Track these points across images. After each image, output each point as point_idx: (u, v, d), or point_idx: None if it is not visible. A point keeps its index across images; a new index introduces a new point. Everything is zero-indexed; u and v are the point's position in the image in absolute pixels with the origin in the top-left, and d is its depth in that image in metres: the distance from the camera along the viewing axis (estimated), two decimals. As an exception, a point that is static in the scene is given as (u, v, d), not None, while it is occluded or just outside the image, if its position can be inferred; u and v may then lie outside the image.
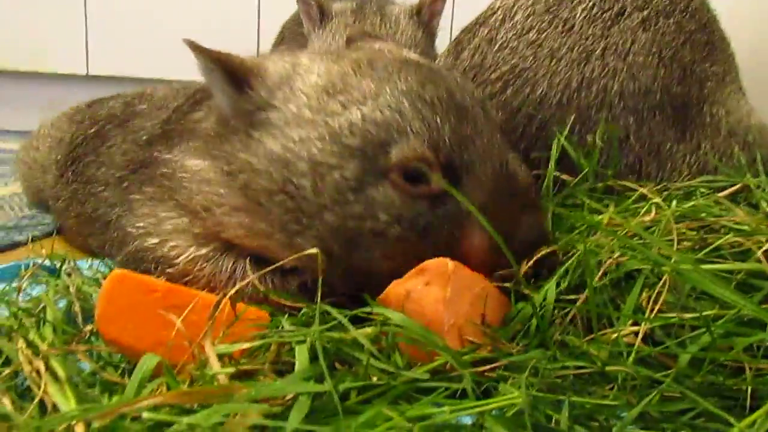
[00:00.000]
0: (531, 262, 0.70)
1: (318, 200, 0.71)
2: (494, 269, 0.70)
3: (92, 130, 1.17)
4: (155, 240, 0.79)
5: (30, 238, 1.19)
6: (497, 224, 0.67)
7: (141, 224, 0.81)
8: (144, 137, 1.01)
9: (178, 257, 0.77)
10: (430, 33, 1.75)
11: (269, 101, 0.76)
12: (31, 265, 0.89)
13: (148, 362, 0.48)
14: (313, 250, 0.61)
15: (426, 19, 1.73)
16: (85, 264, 0.95)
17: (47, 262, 0.91)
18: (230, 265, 0.75)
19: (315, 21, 1.75)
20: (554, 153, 0.95)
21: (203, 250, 0.76)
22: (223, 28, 2.45)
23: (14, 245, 1.18)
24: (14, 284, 0.85)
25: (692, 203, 0.81)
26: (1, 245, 1.16)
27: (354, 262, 0.71)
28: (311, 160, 0.71)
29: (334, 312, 0.59)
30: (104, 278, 0.86)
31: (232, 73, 0.77)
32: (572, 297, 0.70)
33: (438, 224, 0.71)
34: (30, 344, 0.58)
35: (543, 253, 0.71)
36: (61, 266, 0.85)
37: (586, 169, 0.93)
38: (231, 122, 0.78)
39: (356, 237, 0.70)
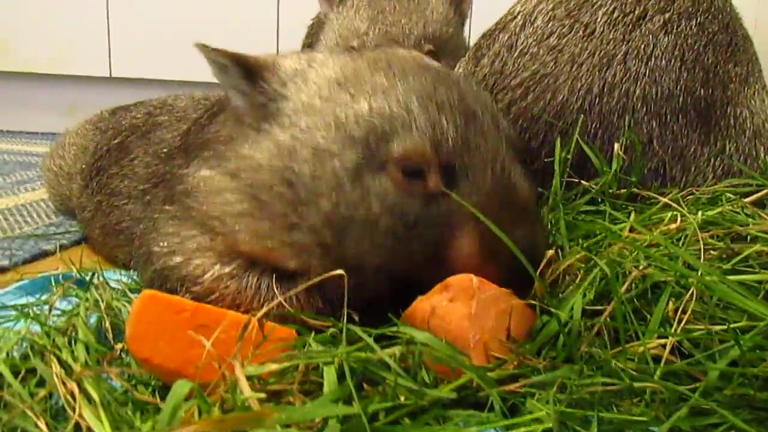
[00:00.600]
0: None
1: (315, 186, 0.72)
2: (483, 274, 0.69)
3: (116, 141, 1.19)
4: (179, 259, 0.80)
5: (58, 246, 1.21)
6: (488, 233, 0.67)
7: (165, 243, 0.82)
8: (165, 150, 1.03)
9: (203, 275, 0.77)
10: (461, 14, 1.68)
11: (281, 92, 0.78)
12: (61, 278, 0.90)
13: (181, 388, 0.49)
14: (339, 271, 0.62)
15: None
16: (113, 275, 0.97)
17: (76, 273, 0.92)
18: (255, 282, 0.76)
19: (333, 1, 1.70)
20: (558, 156, 0.94)
21: (227, 268, 0.77)
22: (244, 31, 2.47)
23: (42, 254, 1.19)
24: (44, 297, 0.88)
25: (718, 210, 0.81)
26: (30, 255, 1.17)
27: (346, 253, 0.72)
28: (314, 147, 0.73)
29: (361, 332, 0.59)
30: (131, 291, 0.88)
31: (246, 67, 0.79)
32: (597, 308, 0.70)
33: (429, 223, 0.71)
34: (63, 364, 0.59)
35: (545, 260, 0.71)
36: (90, 279, 0.86)
37: (607, 176, 0.93)
38: (244, 120, 0.80)
39: (348, 225, 0.71)
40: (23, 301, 0.89)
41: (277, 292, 0.73)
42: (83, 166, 1.28)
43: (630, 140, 0.98)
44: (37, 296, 0.88)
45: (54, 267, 1.05)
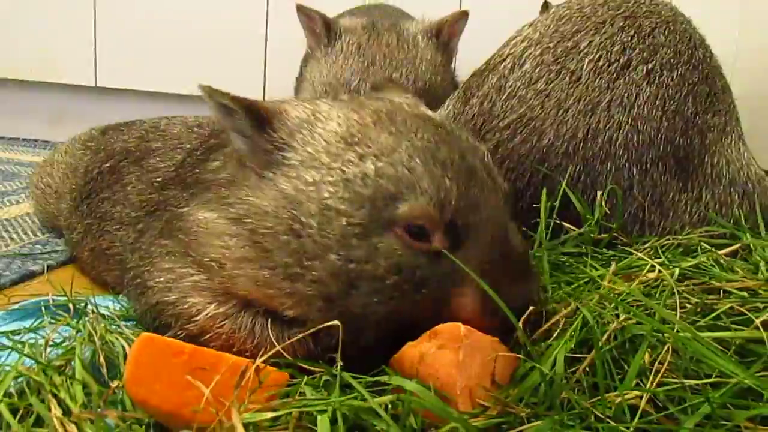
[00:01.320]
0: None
1: (323, 241, 0.74)
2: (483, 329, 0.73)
3: (107, 164, 1.20)
4: (174, 296, 0.81)
5: (45, 267, 1.22)
6: (494, 290, 0.70)
7: (161, 279, 0.83)
8: (158, 179, 1.04)
9: (198, 315, 0.79)
10: (448, 55, 1.70)
11: (288, 142, 0.79)
12: (51, 305, 0.92)
13: (182, 439, 0.50)
14: (335, 322, 0.64)
15: (445, 39, 1.67)
16: (102, 301, 0.98)
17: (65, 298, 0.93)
18: (249, 323, 0.78)
19: (320, 38, 1.67)
20: (543, 205, 0.98)
21: (222, 308, 0.79)
22: (232, 42, 2.48)
23: (30, 275, 1.20)
24: (35, 324, 0.89)
25: (694, 261, 0.84)
26: (18, 275, 1.18)
27: (351, 305, 0.74)
28: (321, 203, 0.75)
29: (352, 380, 0.62)
30: (123, 319, 0.90)
31: (255, 114, 0.79)
32: (578, 355, 0.73)
33: (434, 279, 0.74)
34: (61, 404, 0.60)
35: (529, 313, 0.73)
36: (83, 309, 0.87)
37: (590, 222, 0.96)
38: (246, 164, 0.81)
39: (356, 280, 0.74)
40: (14, 327, 0.90)
41: (271, 335, 0.75)
42: (73, 186, 1.28)
43: (611, 188, 1.02)
44: (28, 323, 0.89)
45: (42, 289, 1.06)
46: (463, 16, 1.69)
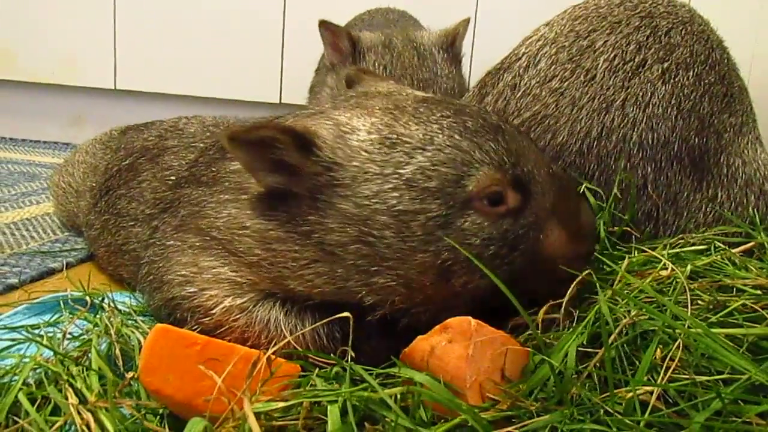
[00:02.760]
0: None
1: (405, 246, 0.76)
2: (574, 256, 0.81)
3: (126, 162, 1.22)
4: (193, 289, 0.82)
5: (65, 264, 1.24)
6: (569, 216, 0.81)
7: (182, 272, 0.84)
8: (172, 177, 1.05)
9: (214, 308, 0.80)
10: (459, 63, 1.73)
11: (335, 160, 0.78)
12: (70, 300, 0.93)
13: (194, 426, 0.51)
14: (345, 314, 0.65)
15: (458, 51, 1.71)
16: (119, 296, 0.99)
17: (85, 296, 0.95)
18: (264, 316, 0.79)
19: (345, 54, 1.68)
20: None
21: (238, 301, 0.80)
22: (249, 45, 2.51)
23: (49, 272, 1.22)
24: (53, 318, 0.90)
25: (707, 260, 0.84)
26: (37, 272, 1.20)
27: (449, 289, 0.77)
28: (392, 211, 0.76)
29: (363, 372, 0.62)
30: (139, 314, 0.91)
31: (300, 139, 0.77)
32: (590, 350, 0.73)
33: (524, 233, 0.78)
34: (78, 393, 0.62)
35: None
36: (100, 303, 0.89)
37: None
38: (292, 190, 0.79)
39: (452, 266, 0.76)
40: (33, 321, 0.92)
41: (285, 332, 0.76)
42: (93, 185, 1.31)
43: (626, 183, 1.02)
44: (47, 317, 0.91)
45: (61, 286, 1.08)
46: (467, 23, 1.75)
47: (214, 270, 0.82)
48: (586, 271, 0.80)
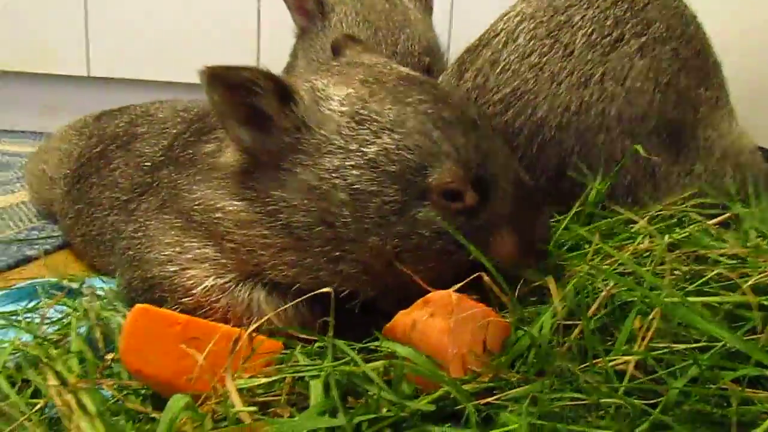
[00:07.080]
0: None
1: (360, 225, 0.75)
2: (521, 264, 0.79)
3: (97, 150, 1.20)
4: (174, 268, 0.81)
5: (42, 252, 1.22)
6: (524, 227, 0.79)
7: (165, 252, 0.83)
8: (147, 163, 1.03)
9: (194, 288, 0.79)
10: (430, 11, 1.68)
11: (306, 122, 0.77)
12: (47, 286, 0.92)
13: (177, 402, 0.51)
14: (328, 289, 0.65)
15: (431, 3, 1.66)
16: (98, 282, 0.99)
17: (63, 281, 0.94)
18: (246, 297, 0.78)
19: (313, 16, 1.60)
20: None
21: (219, 281, 0.79)
22: (224, 30, 2.48)
23: (26, 260, 1.20)
24: (31, 304, 0.89)
25: (685, 232, 0.85)
26: (14, 260, 1.18)
27: (394, 277, 0.76)
28: (351, 189, 0.75)
29: (345, 347, 0.62)
30: (118, 298, 0.91)
31: (281, 88, 0.77)
32: (570, 322, 0.74)
33: (474, 234, 0.76)
34: (58, 376, 0.61)
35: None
36: (78, 288, 0.88)
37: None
38: (259, 157, 0.79)
39: (400, 254, 0.76)
40: (11, 308, 0.91)
41: (266, 309, 0.76)
42: (66, 172, 1.28)
43: (605, 158, 1.02)
44: (25, 304, 0.90)
45: (38, 273, 1.07)
46: None
47: (197, 250, 0.81)
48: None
